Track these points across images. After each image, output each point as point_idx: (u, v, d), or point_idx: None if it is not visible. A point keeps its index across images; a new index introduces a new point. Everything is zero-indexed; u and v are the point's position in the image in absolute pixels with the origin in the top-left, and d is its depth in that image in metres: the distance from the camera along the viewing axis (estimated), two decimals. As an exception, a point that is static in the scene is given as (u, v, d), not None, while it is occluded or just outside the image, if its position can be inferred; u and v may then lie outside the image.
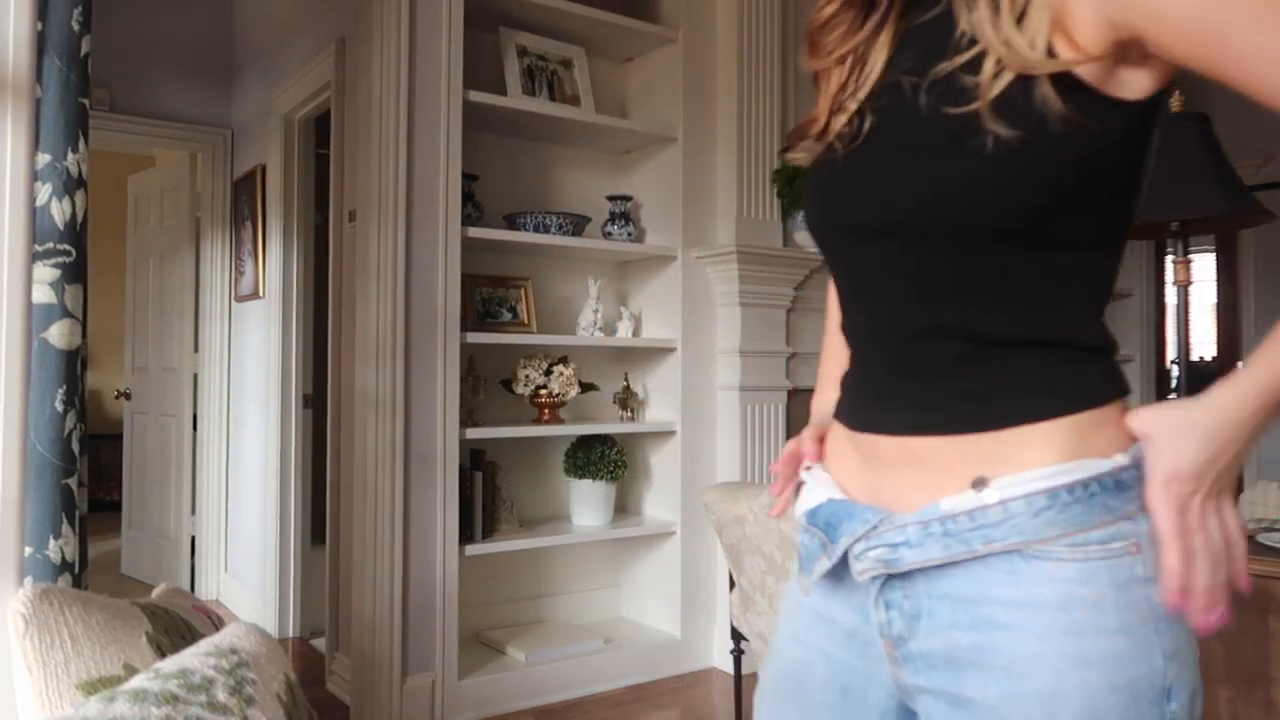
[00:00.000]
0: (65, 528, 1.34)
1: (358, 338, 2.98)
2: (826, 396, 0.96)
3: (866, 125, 0.81)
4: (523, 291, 3.31)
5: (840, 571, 0.82)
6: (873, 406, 0.83)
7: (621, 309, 3.47)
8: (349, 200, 3.17)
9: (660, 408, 3.45)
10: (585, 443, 3.28)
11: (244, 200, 4.25)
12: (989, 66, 0.71)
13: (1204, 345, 6.08)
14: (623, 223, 3.37)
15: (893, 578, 0.78)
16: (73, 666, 1.08)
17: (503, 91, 3.15)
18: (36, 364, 1.32)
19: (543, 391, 3.12)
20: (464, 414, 3.00)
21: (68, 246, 1.36)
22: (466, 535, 2.97)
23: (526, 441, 3.38)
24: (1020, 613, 0.72)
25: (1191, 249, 1.92)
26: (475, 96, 2.97)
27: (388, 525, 2.77)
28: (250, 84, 4.27)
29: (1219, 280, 5.89)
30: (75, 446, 1.37)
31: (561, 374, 3.12)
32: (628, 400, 3.41)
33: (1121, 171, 0.74)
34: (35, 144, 1.33)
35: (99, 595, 1.20)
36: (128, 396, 4.95)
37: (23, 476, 1.28)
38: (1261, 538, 1.78)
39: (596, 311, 3.31)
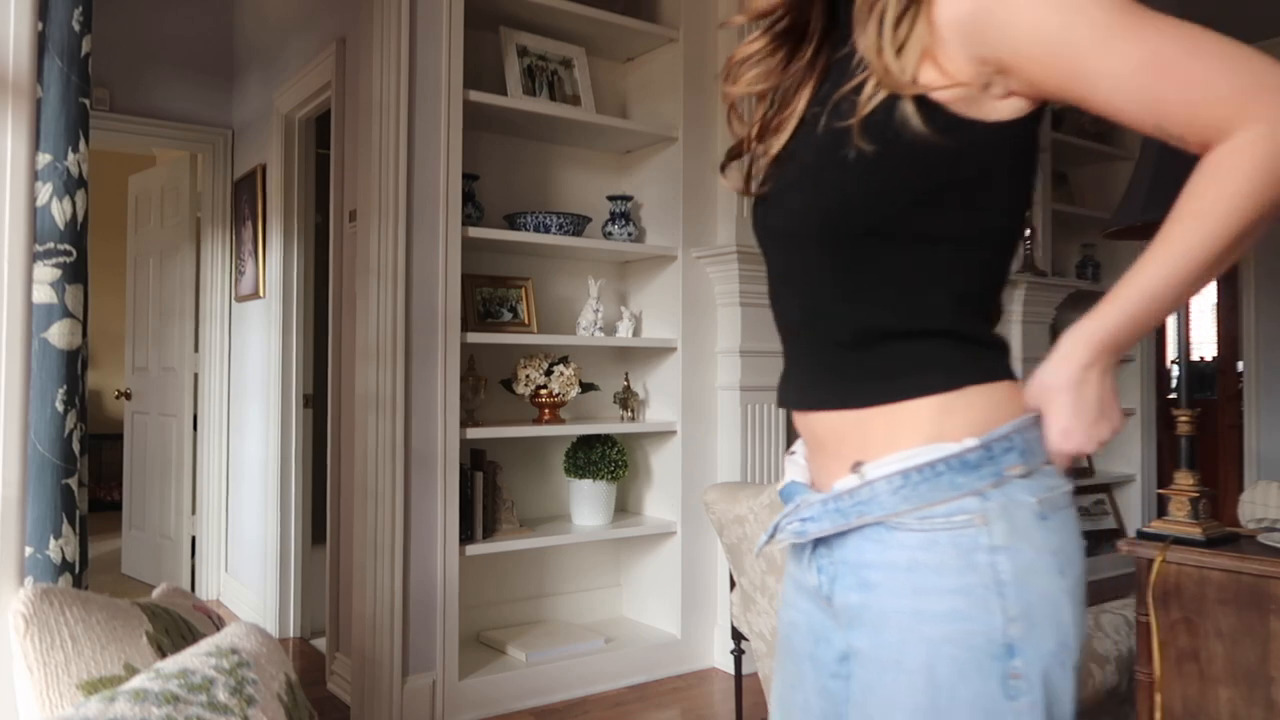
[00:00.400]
0: (66, 527, 1.34)
1: (358, 338, 2.98)
2: None
3: (786, 149, 0.95)
4: (523, 291, 3.31)
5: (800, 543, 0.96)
6: (793, 389, 0.97)
7: (622, 309, 3.47)
8: (349, 200, 3.17)
9: (660, 408, 3.45)
10: (586, 443, 3.29)
11: (244, 200, 4.25)
12: (868, 88, 0.83)
13: (1204, 345, 6.08)
14: (623, 222, 3.37)
15: (819, 545, 0.92)
16: (73, 666, 1.08)
17: (503, 91, 3.15)
18: (37, 364, 1.32)
19: (543, 391, 3.13)
20: (464, 414, 3.00)
21: (68, 246, 1.36)
22: (467, 535, 2.97)
23: (527, 441, 3.38)
24: (883, 574, 0.85)
25: (1192, 249, 1.92)
26: (476, 96, 2.97)
27: (388, 525, 2.77)
28: (251, 84, 4.27)
29: (1219, 280, 5.89)
30: (76, 446, 1.37)
31: (562, 374, 3.12)
32: (628, 400, 3.41)
33: (978, 180, 0.84)
34: (36, 144, 1.33)
35: (99, 595, 1.20)
36: (128, 396, 4.96)
37: (23, 476, 1.28)
38: (1262, 538, 1.78)
39: (597, 311, 3.31)
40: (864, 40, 0.84)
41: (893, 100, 0.82)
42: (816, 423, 0.93)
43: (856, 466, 0.87)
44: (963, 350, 0.87)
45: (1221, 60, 0.73)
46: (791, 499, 0.96)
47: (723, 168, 1.08)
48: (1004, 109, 0.83)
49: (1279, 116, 0.72)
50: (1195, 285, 0.79)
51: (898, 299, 0.86)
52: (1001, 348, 0.89)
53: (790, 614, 1.01)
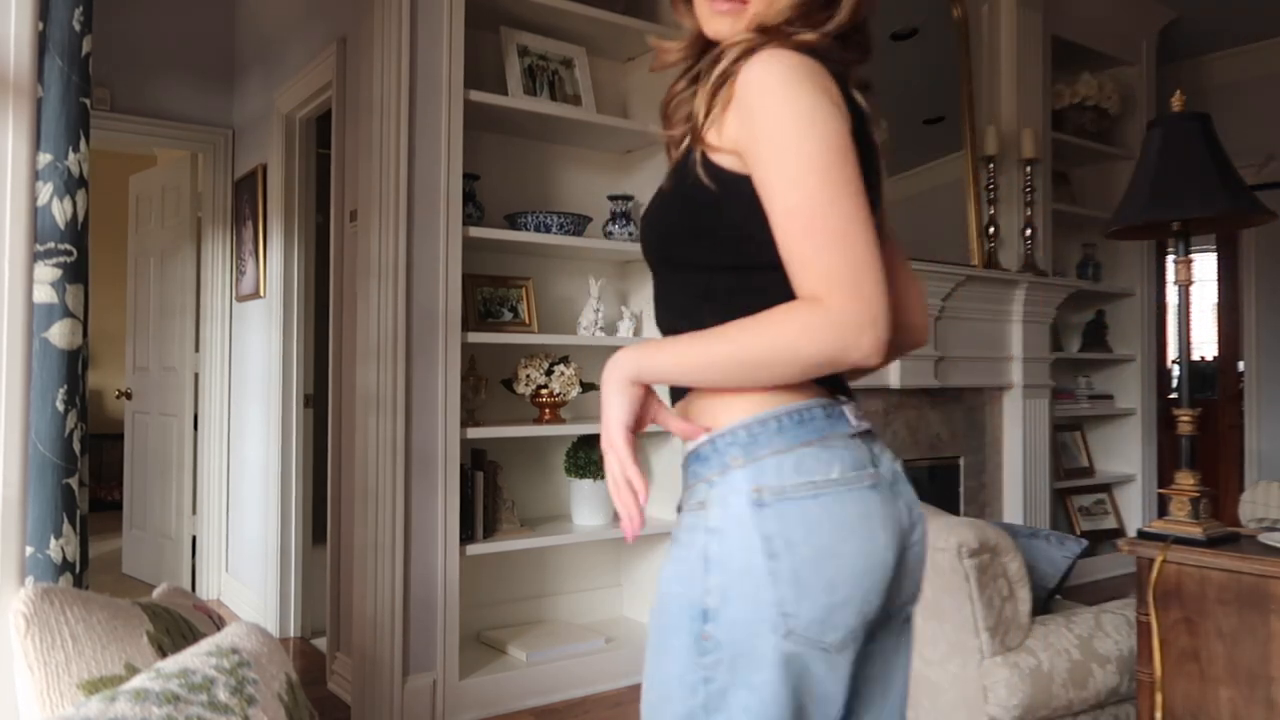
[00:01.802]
0: (66, 527, 1.34)
1: (359, 337, 2.98)
2: None
3: None
4: (524, 291, 3.31)
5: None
6: None
7: (623, 308, 3.47)
8: (350, 200, 3.17)
9: (661, 407, 3.45)
10: (586, 442, 3.28)
11: (245, 200, 4.25)
12: (687, 139, 1.04)
13: (1205, 345, 6.08)
14: (624, 222, 3.37)
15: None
16: (74, 666, 1.08)
17: (504, 91, 3.15)
18: (37, 364, 1.32)
19: (544, 391, 3.12)
20: (465, 414, 3.00)
21: (69, 246, 1.36)
22: (467, 535, 2.97)
23: (527, 441, 3.38)
24: (675, 537, 1.03)
25: (1192, 249, 1.92)
26: (476, 96, 2.97)
27: (389, 525, 2.77)
28: (251, 84, 4.28)
29: (1220, 280, 5.89)
30: (76, 446, 1.37)
31: (563, 374, 3.12)
32: (629, 400, 3.41)
33: (738, 220, 0.99)
34: (36, 144, 1.33)
35: (100, 595, 1.20)
36: (129, 396, 4.96)
37: (24, 476, 1.28)
38: (1262, 538, 1.78)
39: (598, 311, 3.31)
40: (696, 96, 1.04)
41: (691, 150, 1.02)
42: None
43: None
44: None
45: (843, 251, 0.91)
46: None
47: None
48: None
49: (839, 310, 0.90)
50: (708, 376, 0.98)
51: (686, 312, 1.06)
52: None
53: None
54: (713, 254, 1.03)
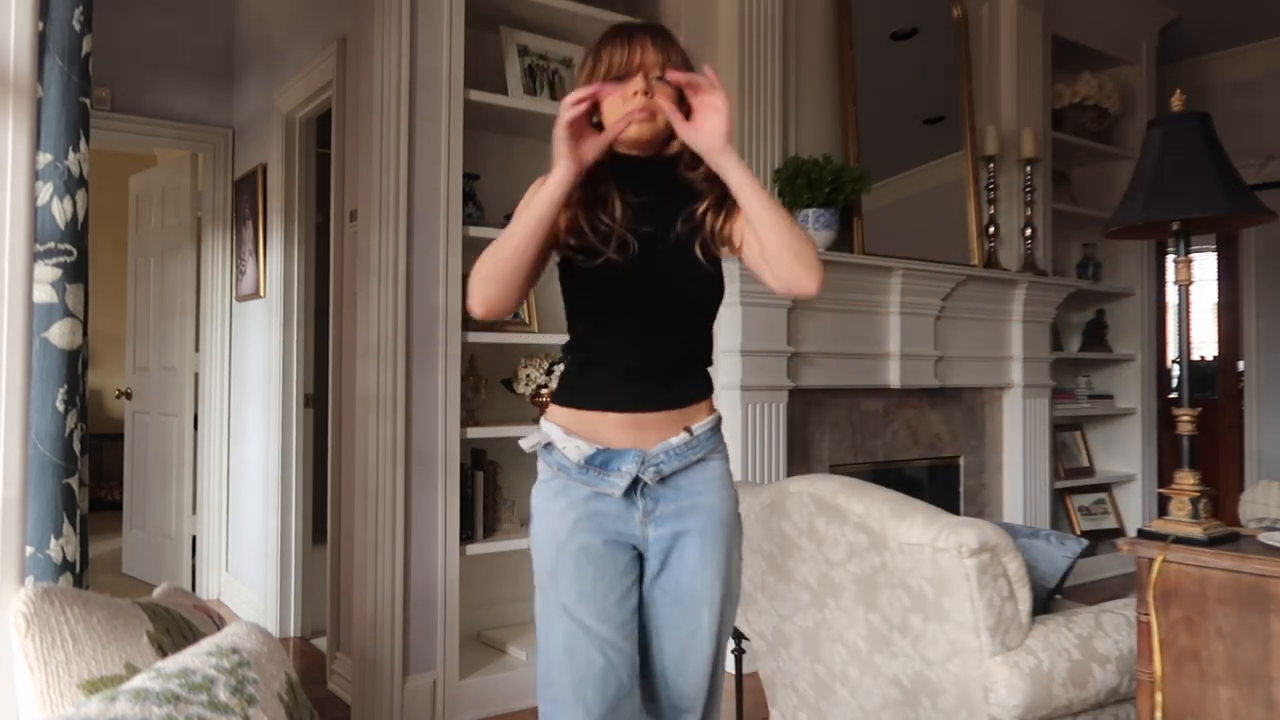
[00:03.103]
0: (66, 527, 1.34)
1: (359, 337, 2.98)
2: None
3: None
4: (524, 291, 3.30)
5: (615, 483, 1.50)
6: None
7: (622, 308, 3.47)
8: (350, 200, 3.17)
9: (661, 407, 3.45)
10: (586, 442, 3.28)
11: (245, 200, 4.25)
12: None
13: (1205, 345, 6.08)
14: (624, 222, 3.36)
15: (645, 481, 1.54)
16: (74, 666, 1.08)
17: (504, 91, 3.15)
18: (37, 363, 1.32)
19: (544, 391, 3.12)
20: (465, 413, 3.00)
21: (69, 246, 1.36)
22: (467, 535, 2.97)
23: (527, 441, 3.38)
24: (710, 485, 1.56)
25: (1192, 249, 1.92)
26: (476, 96, 2.97)
27: (389, 525, 2.77)
28: (251, 83, 4.27)
29: (1220, 279, 5.89)
30: (76, 446, 1.37)
31: (562, 373, 3.12)
32: (629, 400, 3.41)
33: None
34: (36, 143, 1.33)
35: (100, 595, 1.20)
36: (129, 396, 4.96)
37: (24, 476, 1.28)
38: (1262, 537, 1.78)
39: (597, 311, 3.31)
40: None
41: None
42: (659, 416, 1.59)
43: (687, 430, 1.55)
44: (709, 377, 1.66)
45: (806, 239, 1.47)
46: (608, 460, 1.51)
47: None
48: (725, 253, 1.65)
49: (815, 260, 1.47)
50: (758, 207, 1.43)
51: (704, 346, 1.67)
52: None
53: (586, 539, 1.52)
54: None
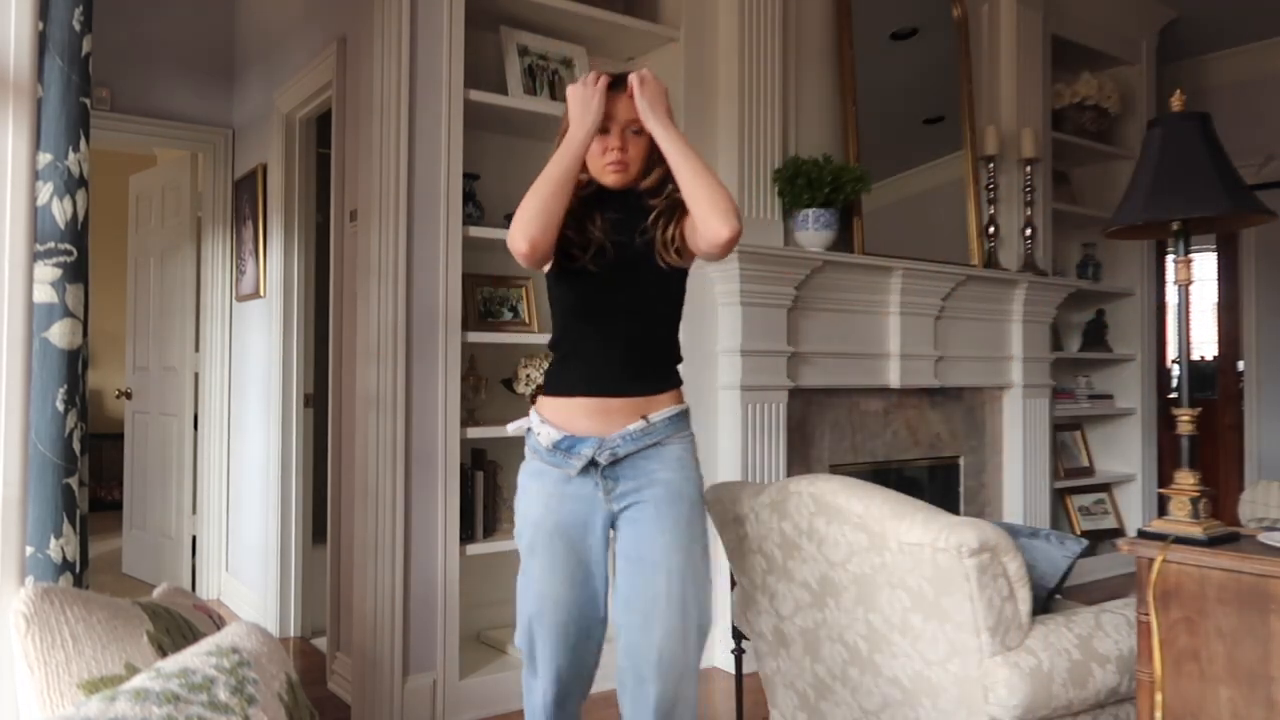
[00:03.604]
0: (66, 527, 1.34)
1: (359, 337, 2.98)
2: None
3: None
4: (524, 291, 3.31)
5: (574, 464, 1.75)
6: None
7: (622, 308, 3.47)
8: (350, 199, 3.17)
9: (661, 407, 3.45)
10: (586, 442, 3.28)
11: (245, 199, 4.25)
12: None
13: (1205, 345, 6.08)
14: (623, 222, 3.37)
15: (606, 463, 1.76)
16: (74, 666, 1.08)
17: (504, 91, 3.15)
18: (37, 363, 1.32)
19: (543, 391, 3.12)
20: (465, 413, 3.00)
21: (69, 246, 1.36)
22: (467, 534, 2.97)
23: (527, 441, 3.38)
24: (667, 464, 1.76)
25: (1192, 248, 1.92)
26: (476, 96, 2.97)
27: (389, 524, 2.77)
28: (251, 83, 4.27)
29: (1220, 279, 5.89)
30: (76, 446, 1.37)
31: (562, 373, 3.12)
32: (628, 400, 3.40)
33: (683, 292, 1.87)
34: (36, 143, 1.33)
35: (100, 595, 1.20)
36: (129, 396, 4.96)
37: (24, 476, 1.28)
38: (1262, 537, 1.78)
39: (597, 311, 3.31)
40: None
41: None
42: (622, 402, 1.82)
43: (645, 418, 1.77)
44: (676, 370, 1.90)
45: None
46: (571, 444, 1.75)
47: None
48: (685, 263, 1.87)
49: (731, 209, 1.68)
50: (679, 158, 1.72)
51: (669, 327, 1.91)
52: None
53: (555, 518, 1.78)
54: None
